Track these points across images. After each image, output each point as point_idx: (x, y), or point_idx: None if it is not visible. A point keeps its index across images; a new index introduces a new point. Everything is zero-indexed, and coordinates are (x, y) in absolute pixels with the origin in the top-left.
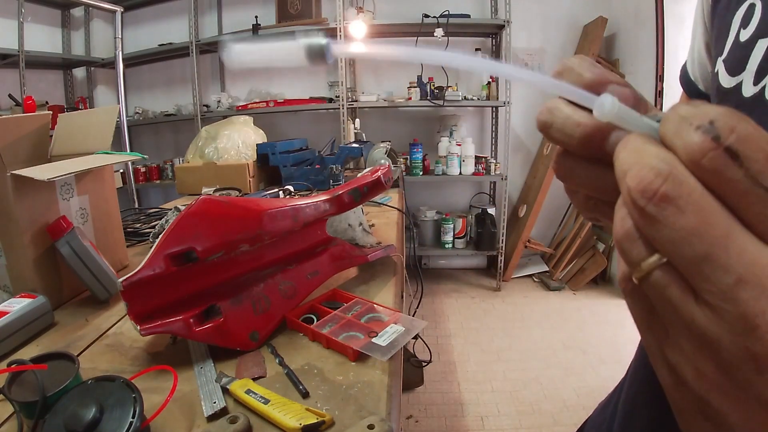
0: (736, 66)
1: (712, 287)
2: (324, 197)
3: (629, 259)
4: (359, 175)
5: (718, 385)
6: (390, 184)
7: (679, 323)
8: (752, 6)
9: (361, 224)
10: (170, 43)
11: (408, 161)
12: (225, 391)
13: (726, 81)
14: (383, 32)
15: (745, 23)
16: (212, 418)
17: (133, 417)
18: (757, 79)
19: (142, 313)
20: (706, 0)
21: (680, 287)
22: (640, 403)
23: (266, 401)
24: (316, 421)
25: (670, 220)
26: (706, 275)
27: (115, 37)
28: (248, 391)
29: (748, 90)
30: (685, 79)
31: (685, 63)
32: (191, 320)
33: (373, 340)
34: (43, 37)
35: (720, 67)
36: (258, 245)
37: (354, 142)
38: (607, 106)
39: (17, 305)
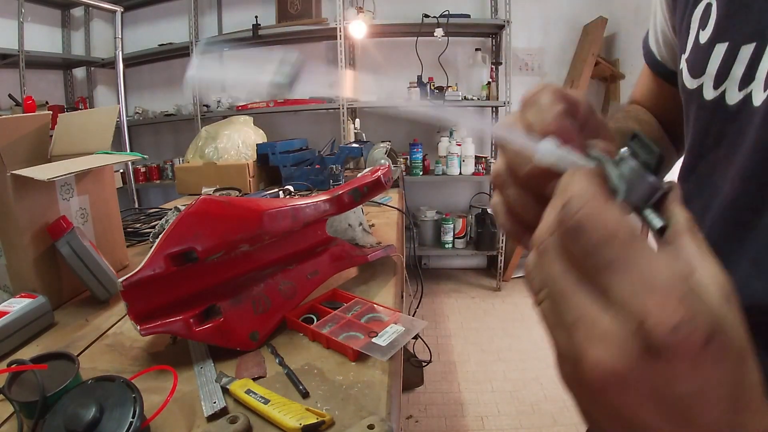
0: (697, 68)
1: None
2: (324, 197)
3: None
4: (359, 175)
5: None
6: (390, 184)
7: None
8: (709, 6)
9: (361, 224)
10: (170, 43)
11: (408, 161)
12: (225, 391)
13: (689, 82)
14: (383, 32)
15: (703, 24)
16: (212, 418)
17: (133, 417)
18: (717, 84)
19: (142, 313)
20: None
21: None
22: None
23: (266, 401)
24: (316, 421)
25: (536, 275)
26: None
27: (115, 37)
28: (248, 391)
29: (709, 93)
30: (650, 58)
31: (647, 41)
32: (191, 320)
33: (373, 340)
34: (43, 37)
35: (684, 66)
36: (258, 245)
37: (354, 142)
38: (545, 153)
39: (17, 305)
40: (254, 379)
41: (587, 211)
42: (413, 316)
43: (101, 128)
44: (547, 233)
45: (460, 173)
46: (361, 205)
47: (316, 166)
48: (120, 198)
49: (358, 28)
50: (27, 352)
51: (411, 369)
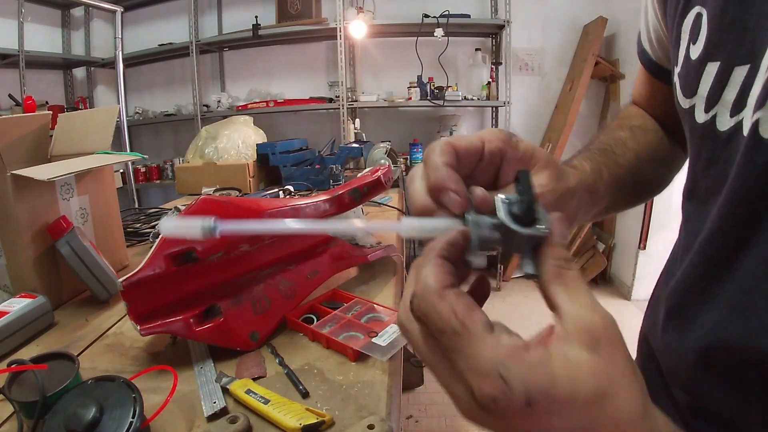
0: (689, 87)
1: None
2: (324, 197)
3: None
4: (359, 175)
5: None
6: (390, 184)
7: None
8: (699, 16)
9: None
10: (170, 43)
11: (408, 161)
12: (225, 391)
13: (682, 101)
14: (383, 32)
15: (693, 37)
16: (212, 418)
17: (133, 417)
18: (708, 107)
19: (142, 313)
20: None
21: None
22: None
23: (266, 401)
24: (316, 421)
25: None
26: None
27: (115, 37)
28: (248, 391)
29: (700, 116)
30: (645, 57)
31: (641, 39)
32: (191, 320)
33: (373, 340)
34: (43, 37)
35: (676, 82)
36: (258, 245)
37: (354, 142)
38: (406, 229)
39: (17, 305)
40: (254, 379)
41: (425, 308)
42: None
43: (101, 128)
44: (405, 316)
45: None
46: (361, 206)
47: (316, 166)
48: (120, 198)
49: (358, 28)
50: (27, 352)
51: (411, 369)
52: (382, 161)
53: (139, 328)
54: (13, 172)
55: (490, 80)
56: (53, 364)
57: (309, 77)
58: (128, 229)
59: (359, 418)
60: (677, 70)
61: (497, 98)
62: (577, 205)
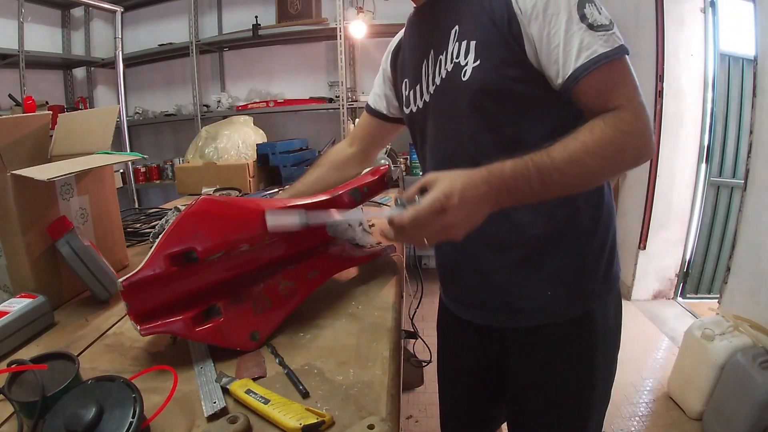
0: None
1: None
2: (324, 197)
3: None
4: (363, 172)
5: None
6: (390, 184)
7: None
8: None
9: (361, 224)
10: (170, 43)
11: (408, 161)
12: (225, 391)
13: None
14: (383, 32)
15: (406, 86)
16: (212, 418)
17: (133, 417)
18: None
19: (142, 313)
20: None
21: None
22: None
23: (266, 401)
24: (316, 421)
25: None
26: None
27: (115, 37)
28: (248, 391)
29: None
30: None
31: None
32: (191, 320)
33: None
34: (43, 37)
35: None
36: (258, 245)
37: None
38: (270, 222)
39: (17, 305)
40: (254, 379)
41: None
42: (413, 316)
43: (101, 128)
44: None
45: None
46: (361, 205)
47: None
48: (120, 198)
49: (358, 28)
50: (27, 352)
51: (411, 369)
52: (383, 161)
53: (139, 328)
54: (13, 172)
55: None
56: (53, 364)
57: (309, 77)
58: (128, 229)
59: (359, 418)
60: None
61: None
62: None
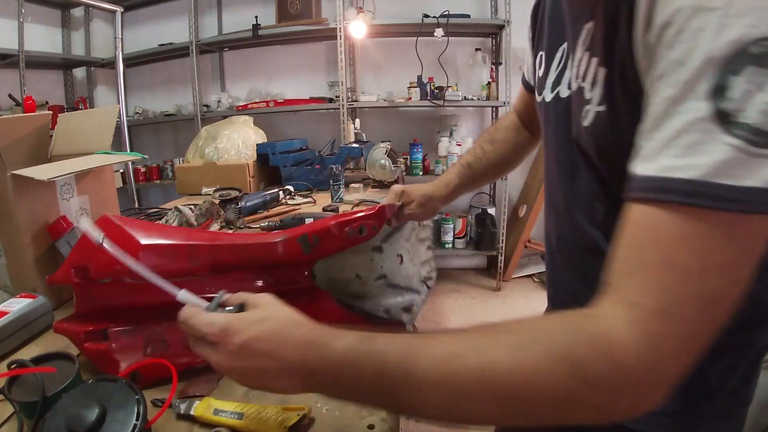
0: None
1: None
2: (259, 240)
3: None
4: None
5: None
6: (375, 231)
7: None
8: (541, 56)
9: (384, 277)
10: (170, 43)
11: (408, 161)
12: (190, 418)
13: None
14: (383, 32)
15: (539, 65)
16: None
17: (137, 419)
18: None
19: (83, 312)
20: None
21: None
22: None
23: (240, 415)
24: (297, 418)
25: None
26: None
27: (115, 37)
28: (216, 411)
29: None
30: (523, 79)
31: (524, 71)
32: (85, 334)
33: None
34: (43, 37)
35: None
36: (142, 281)
37: (354, 142)
38: (181, 297)
39: (17, 305)
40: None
41: (190, 321)
42: None
43: (101, 128)
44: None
45: None
46: (410, 239)
47: (316, 166)
48: (120, 198)
49: (358, 28)
50: (27, 352)
51: None
52: (383, 161)
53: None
54: (13, 172)
55: (490, 80)
56: (53, 364)
57: (309, 77)
58: None
59: (359, 418)
60: (535, 84)
61: (497, 98)
62: (436, 204)
